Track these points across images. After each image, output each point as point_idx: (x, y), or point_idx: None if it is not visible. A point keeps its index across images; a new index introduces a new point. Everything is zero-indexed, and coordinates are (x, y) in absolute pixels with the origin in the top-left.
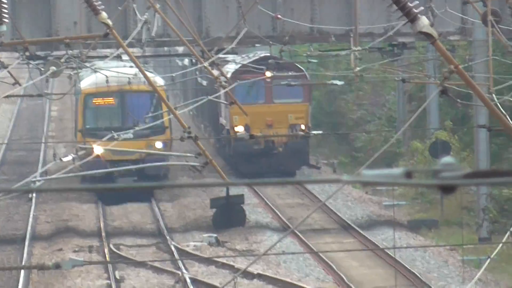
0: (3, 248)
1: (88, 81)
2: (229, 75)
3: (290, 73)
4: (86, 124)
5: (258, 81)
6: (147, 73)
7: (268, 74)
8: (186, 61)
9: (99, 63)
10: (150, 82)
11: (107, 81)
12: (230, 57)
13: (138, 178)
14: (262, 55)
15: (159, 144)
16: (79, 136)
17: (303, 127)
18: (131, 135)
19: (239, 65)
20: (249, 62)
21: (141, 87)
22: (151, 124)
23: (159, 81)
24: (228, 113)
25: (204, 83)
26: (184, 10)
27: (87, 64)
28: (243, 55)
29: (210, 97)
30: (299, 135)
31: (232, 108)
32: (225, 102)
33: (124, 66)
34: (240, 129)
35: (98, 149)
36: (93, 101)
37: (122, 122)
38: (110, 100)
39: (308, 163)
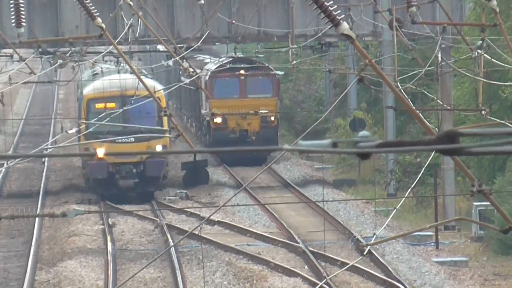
0: (22, 201)
1: (90, 86)
2: (208, 74)
3: (260, 72)
4: (88, 128)
5: (233, 78)
6: (146, 79)
7: (242, 72)
8: (171, 62)
9: (102, 70)
10: (141, 81)
11: (107, 86)
12: (206, 58)
13: (140, 180)
14: (236, 56)
15: (159, 148)
16: (82, 139)
17: (272, 118)
18: (132, 139)
19: (217, 65)
20: (225, 63)
21: (142, 92)
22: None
23: (158, 87)
24: (208, 105)
25: (187, 81)
26: (161, 16)
27: (86, 58)
28: (221, 57)
29: (181, 84)
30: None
31: (211, 101)
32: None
33: (125, 72)
34: (218, 120)
35: (100, 152)
36: (96, 105)
37: (123, 127)
38: (112, 104)
39: (277, 146)
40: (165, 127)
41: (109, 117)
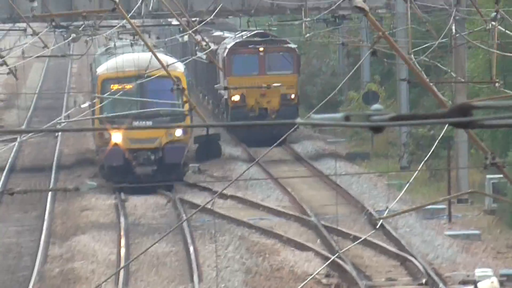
0: (35, 175)
1: (105, 65)
2: (226, 51)
3: (280, 47)
4: (103, 111)
5: (252, 54)
6: (164, 57)
7: (261, 48)
8: (186, 37)
9: (117, 49)
10: (157, 58)
11: (124, 65)
12: (225, 33)
13: (158, 167)
14: (255, 31)
15: (179, 132)
16: (96, 123)
17: (293, 96)
18: (150, 123)
19: (236, 41)
20: (244, 38)
21: (161, 72)
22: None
23: (179, 66)
24: (226, 83)
25: (204, 57)
26: None
27: (100, 32)
28: (239, 32)
29: (194, 57)
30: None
31: (230, 79)
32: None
33: (140, 49)
34: (236, 98)
35: (116, 137)
36: (111, 86)
37: (141, 109)
38: (129, 85)
39: (297, 128)
40: (186, 108)
41: (124, 97)
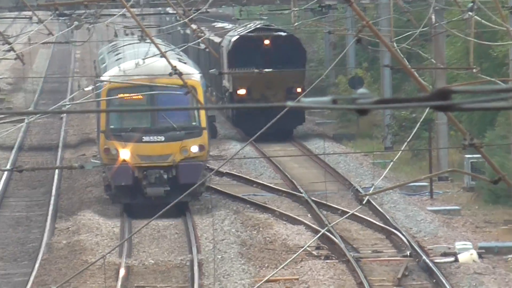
0: (42, 154)
1: (111, 72)
2: (230, 44)
3: (285, 41)
4: (110, 124)
5: (258, 47)
6: (178, 62)
7: (267, 42)
8: (188, 30)
9: (125, 51)
10: (169, 62)
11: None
12: (227, 25)
13: (171, 187)
14: (259, 25)
15: (195, 149)
16: (102, 138)
17: (299, 90)
18: (162, 138)
19: (240, 34)
20: (248, 32)
21: (174, 80)
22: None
23: (194, 73)
24: (231, 77)
25: (203, 46)
26: None
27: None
28: (244, 25)
29: (190, 44)
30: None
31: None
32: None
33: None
34: (242, 92)
35: (125, 154)
36: (117, 95)
37: (152, 122)
38: (138, 95)
39: (303, 122)
40: (203, 121)
41: (134, 112)
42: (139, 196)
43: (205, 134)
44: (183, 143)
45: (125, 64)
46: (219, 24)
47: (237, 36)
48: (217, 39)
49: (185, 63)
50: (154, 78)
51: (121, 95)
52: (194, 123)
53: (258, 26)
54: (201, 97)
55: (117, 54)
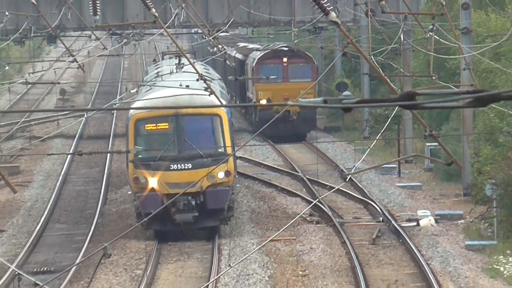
0: (97, 141)
1: (139, 103)
2: (255, 61)
3: (301, 59)
4: (138, 153)
5: (277, 64)
6: (204, 92)
7: (285, 59)
8: (215, 49)
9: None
10: (209, 87)
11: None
12: (251, 46)
13: (200, 213)
14: (279, 45)
15: (221, 175)
16: (131, 167)
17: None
18: (189, 166)
19: (262, 53)
20: (270, 51)
21: (200, 110)
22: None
23: (218, 102)
24: (255, 89)
25: (233, 64)
26: (198, 7)
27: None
28: (263, 45)
29: (213, 57)
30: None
31: (257, 85)
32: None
33: (180, 85)
34: (264, 101)
35: (153, 182)
36: (145, 126)
37: (179, 150)
38: (165, 125)
39: (315, 127)
40: (228, 147)
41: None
42: (168, 223)
43: (230, 160)
44: (210, 170)
45: (152, 94)
46: (242, 44)
47: (260, 55)
48: (241, 57)
49: (211, 88)
50: (179, 109)
51: (148, 125)
52: (220, 150)
53: (278, 46)
54: (226, 125)
55: (151, 86)
